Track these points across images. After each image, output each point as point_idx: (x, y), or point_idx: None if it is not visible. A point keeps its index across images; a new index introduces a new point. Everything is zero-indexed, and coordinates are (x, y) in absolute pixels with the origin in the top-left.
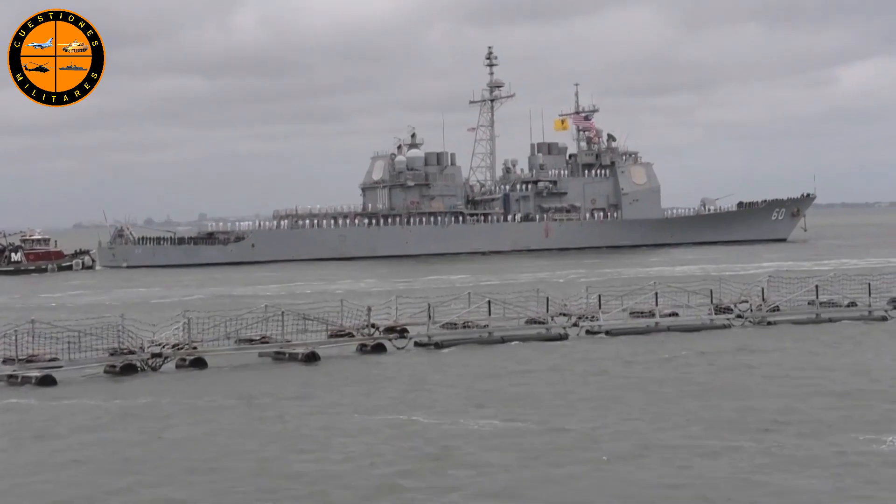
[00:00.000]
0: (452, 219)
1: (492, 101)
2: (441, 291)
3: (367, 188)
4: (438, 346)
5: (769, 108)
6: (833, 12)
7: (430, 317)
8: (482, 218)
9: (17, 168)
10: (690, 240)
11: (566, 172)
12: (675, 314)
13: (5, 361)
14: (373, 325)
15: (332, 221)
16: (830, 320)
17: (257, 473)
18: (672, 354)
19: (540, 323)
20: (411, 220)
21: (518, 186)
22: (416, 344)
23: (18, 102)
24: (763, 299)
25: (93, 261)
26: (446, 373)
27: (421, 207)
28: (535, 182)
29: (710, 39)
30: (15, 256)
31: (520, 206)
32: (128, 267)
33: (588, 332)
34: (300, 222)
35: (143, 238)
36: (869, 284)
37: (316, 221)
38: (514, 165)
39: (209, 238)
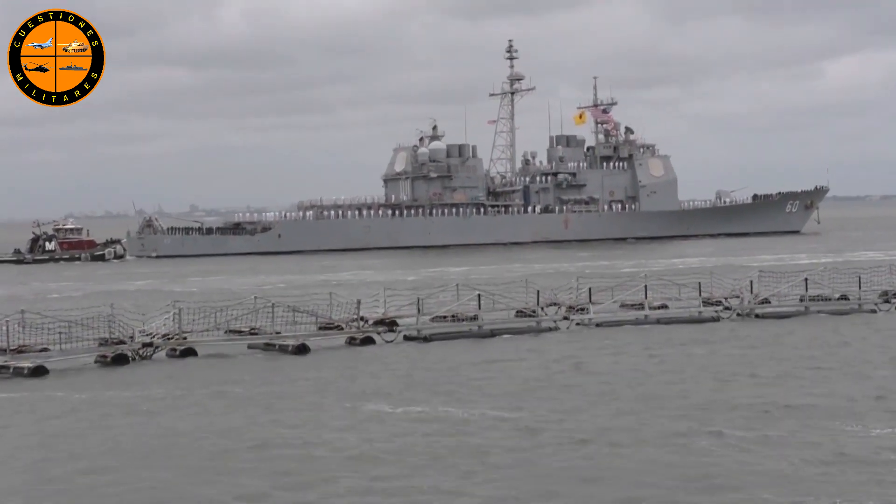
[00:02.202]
0: (474, 210)
1: (512, 93)
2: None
3: (390, 179)
4: (427, 339)
5: (754, 102)
6: (815, 6)
7: (419, 310)
8: (503, 209)
9: (4, 159)
10: (706, 231)
11: (585, 165)
12: (664, 306)
13: None
14: (362, 318)
15: (357, 212)
16: (819, 313)
17: (243, 462)
18: (658, 345)
19: (530, 315)
20: (433, 211)
21: (538, 178)
22: (406, 338)
23: (3, 95)
24: (752, 293)
25: (124, 250)
26: (432, 367)
27: (443, 199)
28: (555, 174)
29: (693, 33)
30: (49, 246)
31: (539, 197)
32: (157, 257)
33: (578, 324)
34: (325, 213)
35: (171, 228)
36: (859, 278)
37: (340, 212)
38: (533, 157)
39: (236, 228)
